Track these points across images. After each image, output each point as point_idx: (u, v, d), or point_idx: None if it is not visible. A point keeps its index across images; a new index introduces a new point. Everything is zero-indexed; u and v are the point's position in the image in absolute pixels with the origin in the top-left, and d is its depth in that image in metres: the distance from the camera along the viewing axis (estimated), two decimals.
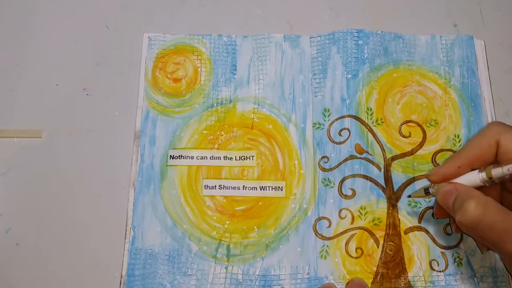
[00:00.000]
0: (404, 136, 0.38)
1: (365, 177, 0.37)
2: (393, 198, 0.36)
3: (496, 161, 0.30)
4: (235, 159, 0.38)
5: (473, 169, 0.30)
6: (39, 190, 0.37)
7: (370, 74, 0.39)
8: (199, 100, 0.39)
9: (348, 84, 0.39)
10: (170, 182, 0.37)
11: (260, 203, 0.37)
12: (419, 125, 0.38)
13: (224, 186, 0.37)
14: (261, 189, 0.37)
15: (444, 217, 0.33)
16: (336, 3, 0.43)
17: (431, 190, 0.32)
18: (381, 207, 0.36)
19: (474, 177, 0.30)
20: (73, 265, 0.35)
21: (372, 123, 0.38)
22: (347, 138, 0.38)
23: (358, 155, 0.37)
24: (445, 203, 0.30)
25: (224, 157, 0.38)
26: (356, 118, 0.38)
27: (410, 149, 0.37)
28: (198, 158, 0.38)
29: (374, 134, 0.38)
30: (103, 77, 0.40)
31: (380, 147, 0.37)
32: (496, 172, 0.28)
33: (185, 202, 0.37)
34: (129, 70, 0.40)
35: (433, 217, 0.36)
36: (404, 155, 0.37)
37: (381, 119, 0.38)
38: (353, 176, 0.37)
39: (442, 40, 0.40)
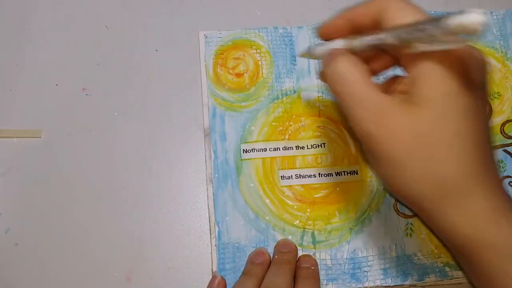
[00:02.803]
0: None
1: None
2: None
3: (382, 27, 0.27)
4: (307, 148, 0.38)
5: (353, 29, 0.28)
6: (38, 190, 0.37)
7: None
8: (264, 92, 0.40)
9: None
10: (246, 176, 0.37)
11: (337, 189, 0.37)
12: None
13: (300, 175, 0.37)
14: (336, 175, 0.37)
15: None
16: (336, 3, 0.43)
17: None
18: None
19: (340, 44, 0.29)
20: (73, 265, 0.35)
21: None
22: None
23: None
24: (326, 60, 0.28)
25: (296, 146, 0.38)
26: None
27: None
28: (270, 150, 0.38)
29: None
30: (103, 77, 0.40)
31: None
32: (356, 41, 0.27)
33: (264, 194, 0.37)
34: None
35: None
36: None
37: None
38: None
39: (493, 15, 0.41)
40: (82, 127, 0.39)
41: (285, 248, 0.35)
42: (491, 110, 0.38)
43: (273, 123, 0.39)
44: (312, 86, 0.40)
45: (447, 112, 0.24)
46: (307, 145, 0.38)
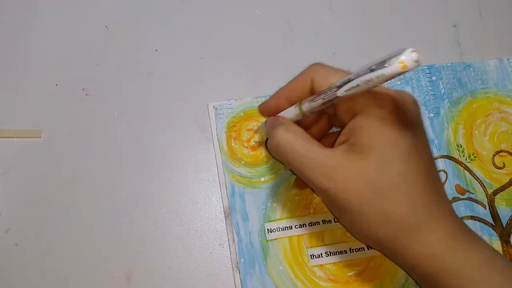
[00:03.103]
0: (499, 168, 0.37)
1: (473, 217, 0.36)
2: (504, 235, 0.35)
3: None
4: (334, 221, 0.36)
5: (291, 102, 0.31)
6: (38, 190, 0.37)
7: (451, 109, 0.38)
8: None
9: (433, 124, 0.38)
10: (274, 258, 0.35)
11: (371, 264, 0.35)
12: (510, 154, 0.37)
13: (330, 253, 0.36)
14: (368, 249, 0.36)
15: (303, 188, 0.36)
16: (336, 3, 0.43)
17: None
18: (496, 246, 0.35)
19: (292, 111, 0.31)
20: (73, 265, 0.35)
21: (466, 160, 0.37)
22: (445, 180, 0.37)
23: (461, 196, 0.36)
24: (268, 133, 0.31)
25: (322, 221, 0.36)
26: (449, 157, 0.37)
27: (508, 179, 0.37)
28: (296, 227, 0.36)
29: (470, 171, 0.37)
30: (103, 77, 0.40)
31: (480, 184, 0.37)
32: (305, 106, 0.29)
33: (294, 276, 0.35)
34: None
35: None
36: (504, 187, 0.37)
37: (473, 154, 0.37)
38: (461, 219, 0.36)
39: (510, 62, 0.40)
40: (82, 127, 0.39)
41: None
42: None
43: (296, 197, 0.37)
44: None
45: (389, 156, 0.26)
46: (333, 218, 0.36)
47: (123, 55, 0.41)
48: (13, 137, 0.38)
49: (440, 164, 0.37)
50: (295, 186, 0.36)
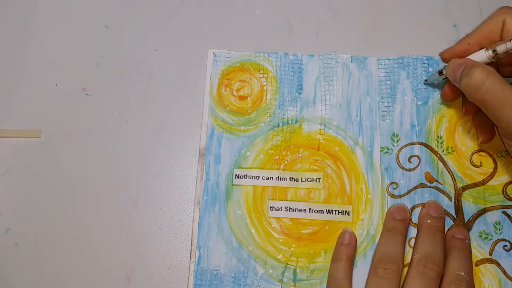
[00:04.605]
0: (475, 166, 0.37)
1: None
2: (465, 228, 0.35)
3: (502, 39, 0.33)
4: (301, 181, 0.37)
5: (481, 47, 0.34)
6: (38, 190, 0.37)
7: (440, 102, 0.39)
8: (264, 119, 0.39)
9: (418, 111, 0.38)
10: (235, 202, 0.37)
11: (326, 227, 0.36)
12: (491, 155, 0.37)
13: (290, 208, 0.37)
14: (327, 213, 0.36)
15: (450, 97, 0.37)
16: (336, 3, 0.43)
17: (444, 71, 0.36)
18: None
19: (482, 55, 0.33)
20: (73, 265, 0.36)
21: (443, 151, 0.37)
22: (417, 166, 0.37)
23: (429, 184, 0.37)
24: (454, 75, 0.33)
25: (290, 178, 0.37)
26: (426, 145, 0.38)
27: (481, 179, 0.37)
28: (264, 178, 0.37)
29: (444, 163, 0.37)
30: (103, 77, 0.40)
31: (451, 176, 0.37)
32: (501, 47, 0.32)
33: (250, 223, 0.36)
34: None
35: (442, 97, 0.38)
36: (475, 185, 0.37)
37: (451, 148, 0.37)
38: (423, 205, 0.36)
39: None
40: (82, 127, 0.39)
41: (436, 213, 0.35)
42: (495, 168, 0.37)
43: (270, 151, 0.38)
44: (315, 118, 0.39)
45: None
46: (301, 178, 0.37)
47: (123, 55, 0.41)
48: (13, 137, 0.38)
49: (416, 149, 0.38)
50: (466, 111, 0.37)
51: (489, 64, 0.33)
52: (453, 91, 0.36)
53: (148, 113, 0.39)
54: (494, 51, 0.32)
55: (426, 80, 0.39)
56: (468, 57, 0.34)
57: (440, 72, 0.36)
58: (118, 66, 0.41)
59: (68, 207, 0.37)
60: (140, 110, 0.40)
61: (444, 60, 0.37)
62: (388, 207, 0.36)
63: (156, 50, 0.41)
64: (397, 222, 0.35)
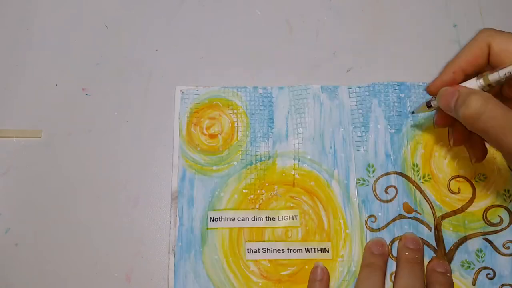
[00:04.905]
0: (453, 192, 0.36)
1: None
2: (446, 259, 0.35)
3: (489, 65, 0.31)
4: (278, 219, 0.36)
5: (466, 75, 0.32)
6: (38, 190, 0.37)
7: (414, 128, 0.38)
8: (237, 157, 0.38)
9: (392, 139, 0.38)
10: (211, 247, 0.35)
11: (306, 267, 0.35)
12: (468, 180, 0.37)
13: (268, 249, 0.36)
14: (306, 251, 0.35)
15: (444, 125, 0.34)
16: (335, 3, 0.43)
17: (432, 103, 0.33)
18: None
19: (473, 85, 0.31)
20: (73, 265, 0.35)
21: (419, 179, 0.37)
22: (395, 196, 0.36)
23: (407, 215, 0.36)
24: (447, 104, 0.31)
25: (266, 217, 0.36)
26: (402, 175, 0.37)
27: (460, 206, 0.36)
28: (239, 219, 0.36)
29: (422, 191, 0.36)
30: (103, 77, 0.40)
31: (429, 205, 0.36)
32: (493, 77, 0.30)
33: (228, 268, 0.35)
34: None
35: (434, 127, 0.35)
36: (454, 212, 0.36)
37: (428, 175, 0.37)
38: None
39: None
40: (82, 127, 0.39)
41: (413, 245, 0.34)
42: (474, 194, 0.36)
43: (244, 190, 0.37)
44: (289, 152, 0.38)
45: None
46: (278, 216, 0.36)
47: (123, 55, 0.41)
48: (13, 137, 0.38)
49: (392, 180, 0.37)
50: (454, 142, 0.35)
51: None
52: (446, 119, 0.34)
53: (148, 113, 0.39)
54: (485, 79, 0.30)
55: (413, 112, 0.37)
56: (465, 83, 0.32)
57: (428, 104, 0.34)
58: (118, 66, 0.41)
59: (68, 207, 0.37)
60: (140, 110, 0.39)
61: (432, 94, 0.34)
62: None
63: (156, 50, 0.41)
64: (375, 257, 0.34)
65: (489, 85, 0.30)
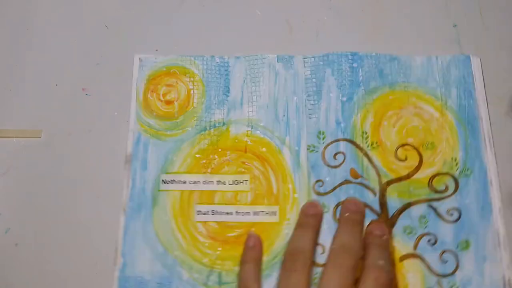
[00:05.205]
0: (400, 160, 0.37)
1: None
2: (388, 224, 0.35)
3: None
4: (228, 184, 0.37)
5: None
6: (38, 190, 0.37)
7: (365, 97, 0.38)
8: (191, 123, 0.39)
9: (343, 107, 0.38)
10: (161, 208, 0.36)
11: (253, 229, 0.36)
12: (415, 149, 0.37)
13: (216, 212, 0.36)
14: (254, 214, 0.36)
15: None
16: (336, 3, 0.43)
17: None
18: None
19: None
20: (73, 265, 0.35)
21: (368, 146, 0.37)
22: (342, 162, 0.37)
23: (353, 180, 0.37)
24: None
25: (217, 181, 0.37)
26: (351, 142, 0.37)
27: (407, 173, 0.37)
28: (190, 182, 0.37)
29: (369, 158, 0.37)
30: (103, 77, 0.40)
31: (376, 172, 0.37)
32: None
33: (176, 228, 0.36)
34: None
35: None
36: (400, 179, 0.37)
37: (376, 143, 0.37)
38: None
39: (438, 60, 0.40)
40: (82, 127, 0.39)
41: (354, 207, 0.35)
42: (421, 161, 0.37)
43: (197, 155, 0.38)
44: (243, 119, 0.39)
45: None
46: (228, 181, 0.37)
47: (123, 55, 0.41)
48: (13, 137, 0.38)
49: (341, 146, 0.37)
50: None
51: None
52: None
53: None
54: None
55: None
56: None
57: None
58: (118, 66, 0.41)
59: (68, 207, 0.37)
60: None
61: None
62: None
63: (156, 50, 0.41)
64: (308, 217, 0.35)
65: None
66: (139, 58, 0.40)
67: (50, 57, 0.41)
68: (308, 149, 0.38)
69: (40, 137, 0.39)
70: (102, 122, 0.39)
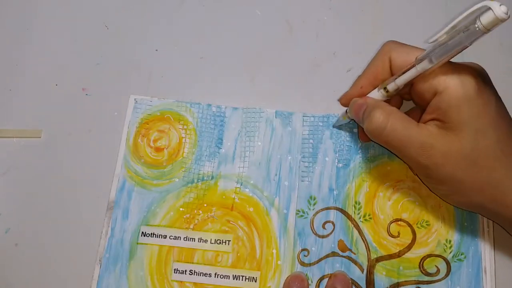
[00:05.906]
0: (392, 236, 0.35)
1: None
2: None
3: (393, 75, 0.32)
4: (210, 242, 0.36)
5: (375, 86, 0.33)
6: (38, 190, 0.37)
7: (362, 165, 0.37)
8: (179, 173, 0.37)
9: (338, 174, 0.37)
10: (138, 262, 0.35)
11: None
12: (410, 225, 0.36)
13: (195, 272, 0.35)
14: (234, 278, 0.35)
15: (368, 140, 0.36)
16: (335, 3, 0.43)
17: (348, 113, 0.35)
18: None
19: (375, 95, 0.33)
20: (73, 265, 0.35)
21: (360, 218, 0.36)
22: (331, 232, 0.35)
23: (341, 253, 0.35)
24: (357, 115, 0.33)
25: (198, 239, 0.36)
26: (343, 211, 0.36)
27: (398, 250, 0.35)
28: (171, 237, 0.36)
29: (360, 231, 0.35)
30: (103, 77, 0.40)
31: (365, 246, 0.35)
32: (391, 85, 0.31)
33: (151, 285, 0.34)
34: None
35: (359, 140, 0.37)
36: (390, 256, 0.35)
37: (369, 215, 0.36)
38: None
39: None
40: (82, 127, 0.39)
41: (342, 285, 0.33)
42: (414, 240, 0.35)
43: (181, 209, 0.36)
44: (232, 175, 0.37)
45: (482, 129, 0.28)
46: (210, 239, 0.36)
47: (123, 55, 0.41)
48: (13, 137, 0.38)
49: (332, 215, 0.36)
50: (360, 137, 0.37)
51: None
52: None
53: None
54: (385, 89, 0.32)
55: (333, 125, 0.38)
56: (367, 96, 0.34)
57: (344, 114, 0.36)
58: (118, 66, 0.41)
59: (68, 207, 0.37)
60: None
61: (344, 105, 0.36)
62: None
63: (156, 50, 0.41)
64: None
65: (388, 92, 0.32)
66: (134, 99, 0.39)
67: (50, 57, 0.41)
68: (297, 214, 0.36)
69: (40, 137, 0.38)
70: (103, 122, 0.39)
